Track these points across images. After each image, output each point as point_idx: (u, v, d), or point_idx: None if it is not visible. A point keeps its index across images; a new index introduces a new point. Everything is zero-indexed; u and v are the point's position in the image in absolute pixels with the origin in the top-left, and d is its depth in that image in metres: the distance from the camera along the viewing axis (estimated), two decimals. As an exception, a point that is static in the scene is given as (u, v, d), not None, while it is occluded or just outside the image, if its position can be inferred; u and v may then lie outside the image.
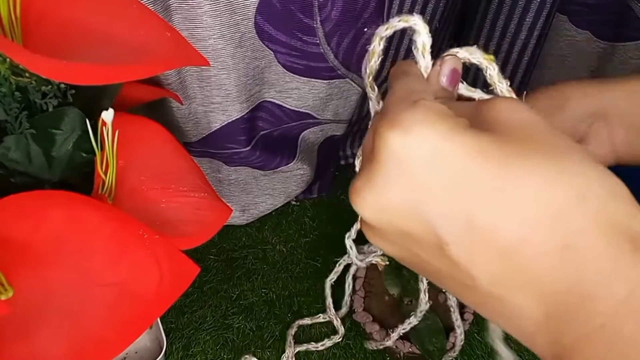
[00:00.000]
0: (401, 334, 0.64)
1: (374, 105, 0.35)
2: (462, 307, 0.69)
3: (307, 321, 0.72)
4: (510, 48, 0.72)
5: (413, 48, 0.31)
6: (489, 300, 0.22)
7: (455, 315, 0.63)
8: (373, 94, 0.35)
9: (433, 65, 0.31)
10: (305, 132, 0.74)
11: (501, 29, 0.71)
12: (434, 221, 0.21)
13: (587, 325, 0.19)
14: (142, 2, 0.40)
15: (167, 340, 0.67)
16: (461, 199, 0.21)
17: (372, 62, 0.33)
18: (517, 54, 0.73)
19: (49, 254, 0.39)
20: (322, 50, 0.59)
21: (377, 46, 0.33)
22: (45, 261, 0.39)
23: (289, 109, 0.68)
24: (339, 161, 0.90)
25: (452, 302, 0.63)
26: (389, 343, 0.65)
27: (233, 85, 0.61)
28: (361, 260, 0.61)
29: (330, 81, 0.66)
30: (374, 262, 0.64)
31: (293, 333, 0.72)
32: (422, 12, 0.63)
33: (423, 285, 0.59)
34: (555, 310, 0.20)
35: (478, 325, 0.73)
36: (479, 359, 0.70)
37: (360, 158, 0.35)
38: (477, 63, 0.31)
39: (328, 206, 0.87)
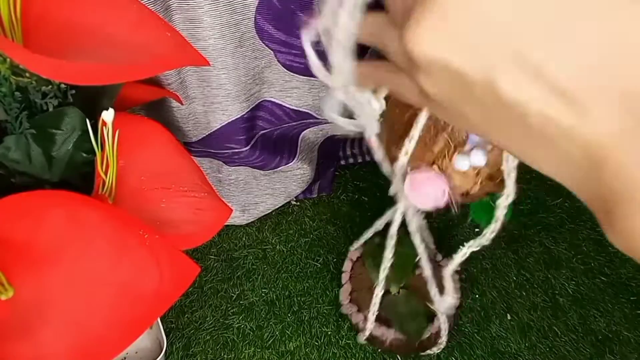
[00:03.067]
0: (376, 312, 0.66)
1: None
2: None
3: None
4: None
5: None
6: (540, 144, 0.21)
7: (437, 299, 0.64)
8: None
9: None
10: (305, 131, 0.74)
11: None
12: (486, 51, 0.20)
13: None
14: (142, 2, 0.40)
15: (167, 340, 0.67)
16: (520, 23, 0.19)
17: None
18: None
19: (49, 254, 0.39)
20: (322, 48, 0.59)
21: None
22: (45, 261, 0.39)
23: (289, 108, 0.68)
24: (339, 161, 0.90)
25: (432, 289, 0.64)
26: (370, 325, 0.66)
27: (233, 85, 0.61)
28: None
29: (330, 80, 0.66)
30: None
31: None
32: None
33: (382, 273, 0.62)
34: (602, 163, 0.19)
35: (478, 325, 0.73)
36: (479, 359, 0.70)
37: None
38: None
39: (328, 206, 0.87)
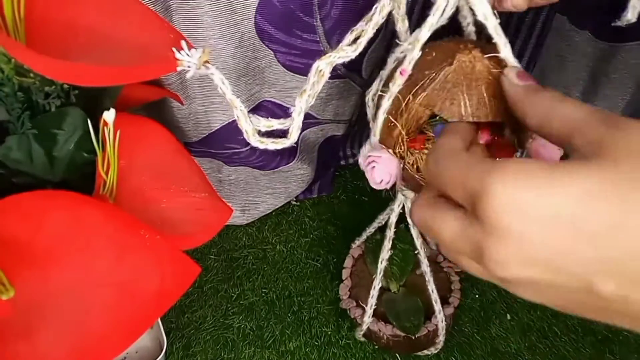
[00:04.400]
0: (374, 306, 0.66)
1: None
2: (448, 291, 0.70)
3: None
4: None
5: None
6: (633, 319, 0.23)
7: (434, 297, 0.64)
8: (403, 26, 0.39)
9: None
10: (305, 131, 0.74)
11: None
12: (576, 267, 0.23)
13: None
14: (144, 3, 0.40)
15: (167, 340, 0.67)
16: (591, 242, 0.22)
17: None
18: (517, 54, 0.73)
19: (50, 254, 0.39)
20: (322, 47, 0.60)
21: None
22: (46, 261, 0.39)
23: (289, 108, 0.68)
24: (339, 161, 0.90)
25: (430, 285, 0.64)
26: (367, 319, 0.66)
27: (233, 85, 0.61)
28: None
29: (331, 81, 0.66)
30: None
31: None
32: (423, 12, 0.63)
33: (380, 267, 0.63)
34: None
35: (478, 325, 0.73)
36: (479, 359, 0.71)
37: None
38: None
39: (328, 206, 0.87)
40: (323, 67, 0.37)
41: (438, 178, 0.28)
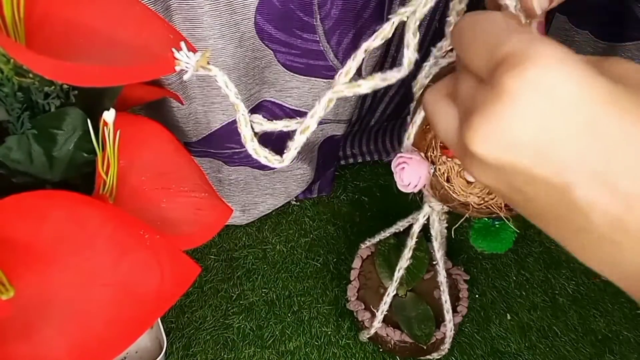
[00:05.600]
0: (385, 312, 0.66)
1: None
2: (456, 300, 0.70)
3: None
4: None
5: None
6: (602, 244, 0.22)
7: (447, 307, 0.64)
8: None
9: None
10: (305, 131, 0.74)
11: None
12: (563, 164, 0.21)
13: None
14: (144, 3, 0.40)
15: (167, 339, 0.67)
16: (594, 145, 0.20)
17: None
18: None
19: (50, 254, 0.39)
20: (322, 47, 0.60)
21: None
22: (46, 261, 0.39)
23: (288, 108, 0.68)
24: (339, 161, 0.90)
25: (445, 295, 0.64)
26: (377, 324, 0.66)
27: (233, 85, 0.61)
28: None
29: (330, 80, 0.66)
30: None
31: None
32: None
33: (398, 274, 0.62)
34: None
35: (478, 325, 0.73)
36: (479, 359, 0.71)
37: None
38: None
39: (328, 206, 0.87)
40: (332, 97, 0.36)
41: (467, 34, 0.25)
